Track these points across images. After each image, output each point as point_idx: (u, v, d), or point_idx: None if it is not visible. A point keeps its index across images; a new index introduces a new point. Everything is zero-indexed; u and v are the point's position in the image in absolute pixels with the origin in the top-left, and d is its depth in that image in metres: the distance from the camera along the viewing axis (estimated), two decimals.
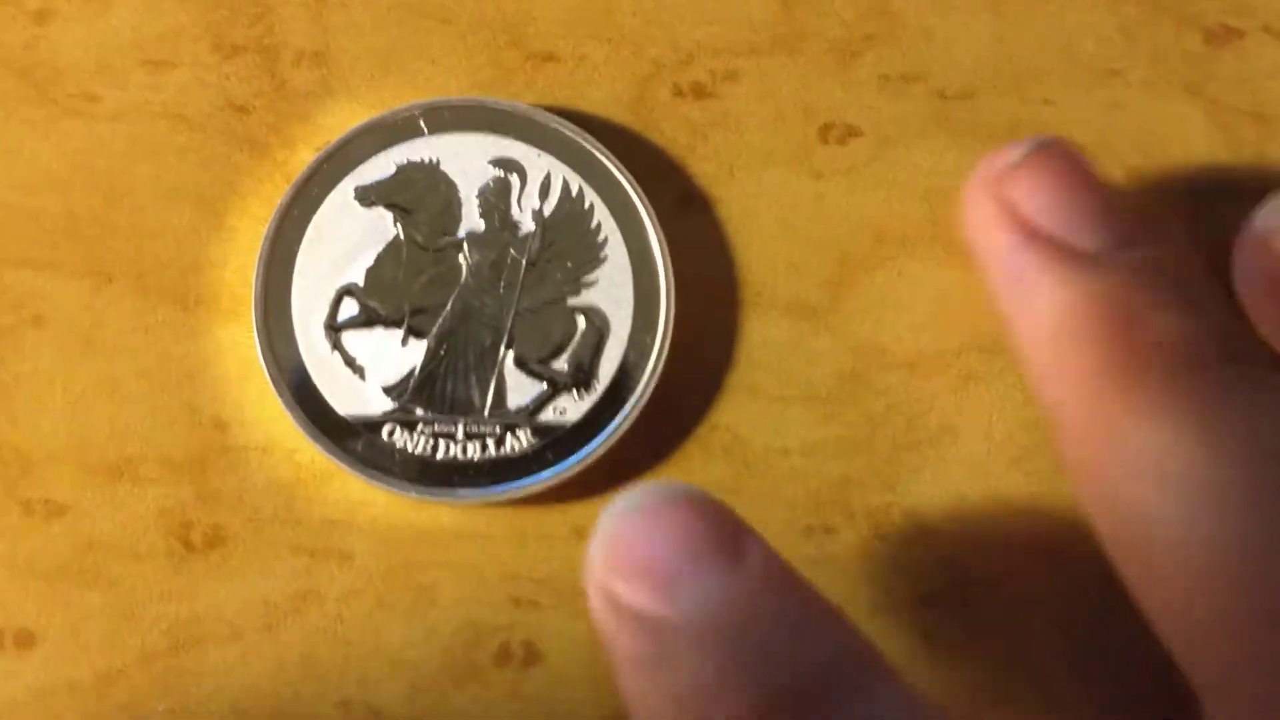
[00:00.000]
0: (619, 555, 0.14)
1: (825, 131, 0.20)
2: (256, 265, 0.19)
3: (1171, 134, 0.20)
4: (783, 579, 0.14)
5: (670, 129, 0.20)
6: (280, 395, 0.18)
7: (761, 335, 0.20)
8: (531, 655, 0.18)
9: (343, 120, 0.20)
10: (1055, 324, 0.16)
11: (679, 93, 0.20)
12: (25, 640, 0.18)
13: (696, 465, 0.19)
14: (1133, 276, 0.16)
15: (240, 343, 0.19)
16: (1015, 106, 0.20)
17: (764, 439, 0.19)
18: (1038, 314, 0.16)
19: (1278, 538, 0.13)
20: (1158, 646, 0.15)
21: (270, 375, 0.19)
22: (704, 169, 0.20)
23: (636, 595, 0.14)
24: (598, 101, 0.20)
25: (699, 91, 0.20)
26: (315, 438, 0.18)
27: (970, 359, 0.20)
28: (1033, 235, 0.16)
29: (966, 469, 0.19)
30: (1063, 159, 0.17)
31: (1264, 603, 0.13)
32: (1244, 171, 0.20)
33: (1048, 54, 0.20)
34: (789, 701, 0.13)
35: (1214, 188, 0.20)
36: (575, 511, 0.19)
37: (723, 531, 0.14)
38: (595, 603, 0.14)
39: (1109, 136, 0.20)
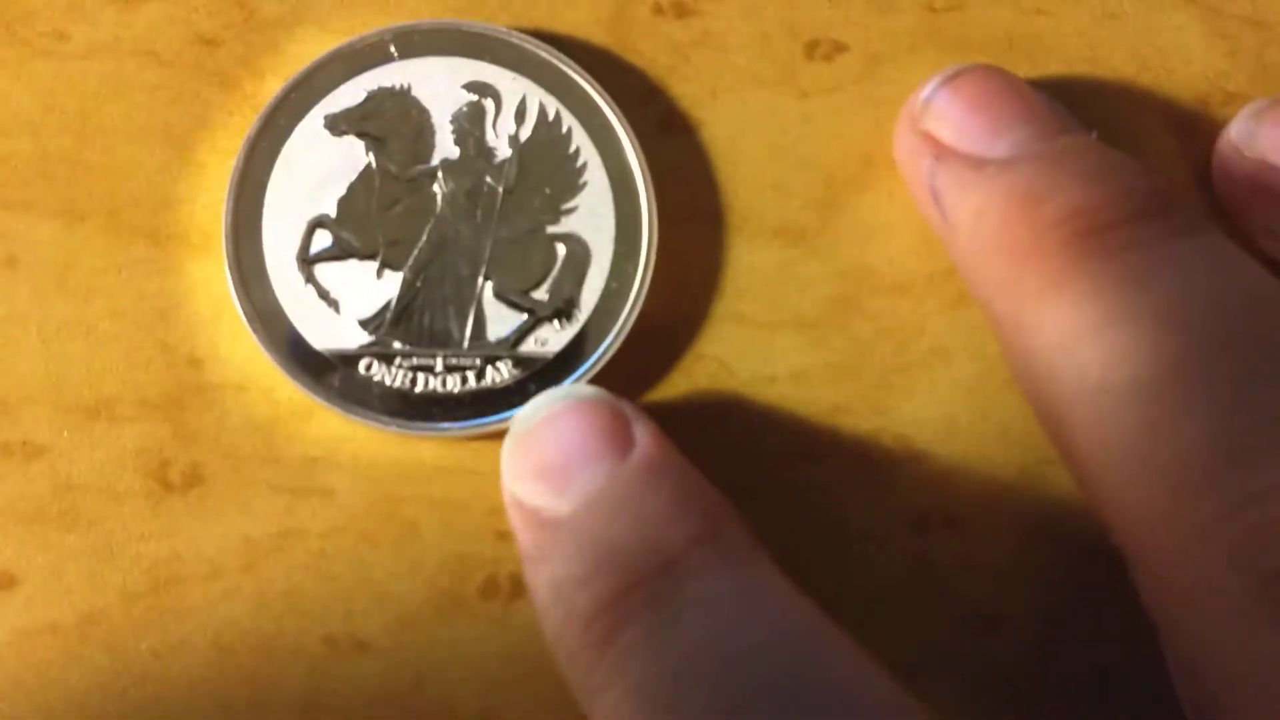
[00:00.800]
0: (520, 461, 0.16)
1: (811, 49, 0.19)
2: (226, 199, 0.18)
3: (1169, 43, 0.20)
4: (663, 468, 0.15)
5: (650, 49, 0.19)
6: (254, 331, 0.18)
7: (748, 261, 0.19)
8: (518, 587, 0.18)
9: (314, 50, 0.19)
10: (971, 231, 0.16)
11: (659, 10, 0.19)
12: (6, 582, 0.18)
13: (682, 395, 0.19)
14: (1037, 165, 0.16)
15: (213, 279, 0.19)
16: (1008, 16, 0.20)
17: (751, 367, 0.19)
18: (957, 227, 0.16)
19: (1181, 384, 0.13)
20: None
21: (243, 311, 0.18)
22: (686, 90, 0.19)
23: (533, 495, 0.15)
24: (575, 22, 0.19)
25: (680, 9, 0.19)
26: (291, 373, 0.18)
27: (960, 280, 0.19)
28: (944, 155, 0.17)
29: (959, 391, 0.19)
30: (972, 81, 0.17)
31: (1174, 453, 0.13)
32: (1243, 80, 0.20)
33: None
34: (638, 583, 0.14)
35: (1213, 98, 0.19)
36: None
37: (611, 427, 0.15)
38: (507, 509, 0.16)
39: (1104, 47, 0.20)
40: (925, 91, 0.18)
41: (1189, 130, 0.19)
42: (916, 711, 0.13)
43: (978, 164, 0.16)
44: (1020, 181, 0.15)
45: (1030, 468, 0.18)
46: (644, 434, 0.15)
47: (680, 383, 0.19)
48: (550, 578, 0.15)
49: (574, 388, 0.17)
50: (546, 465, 0.15)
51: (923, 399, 0.19)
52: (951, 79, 0.17)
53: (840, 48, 0.19)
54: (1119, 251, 0.14)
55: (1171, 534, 0.13)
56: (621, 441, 0.15)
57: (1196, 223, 0.15)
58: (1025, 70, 0.19)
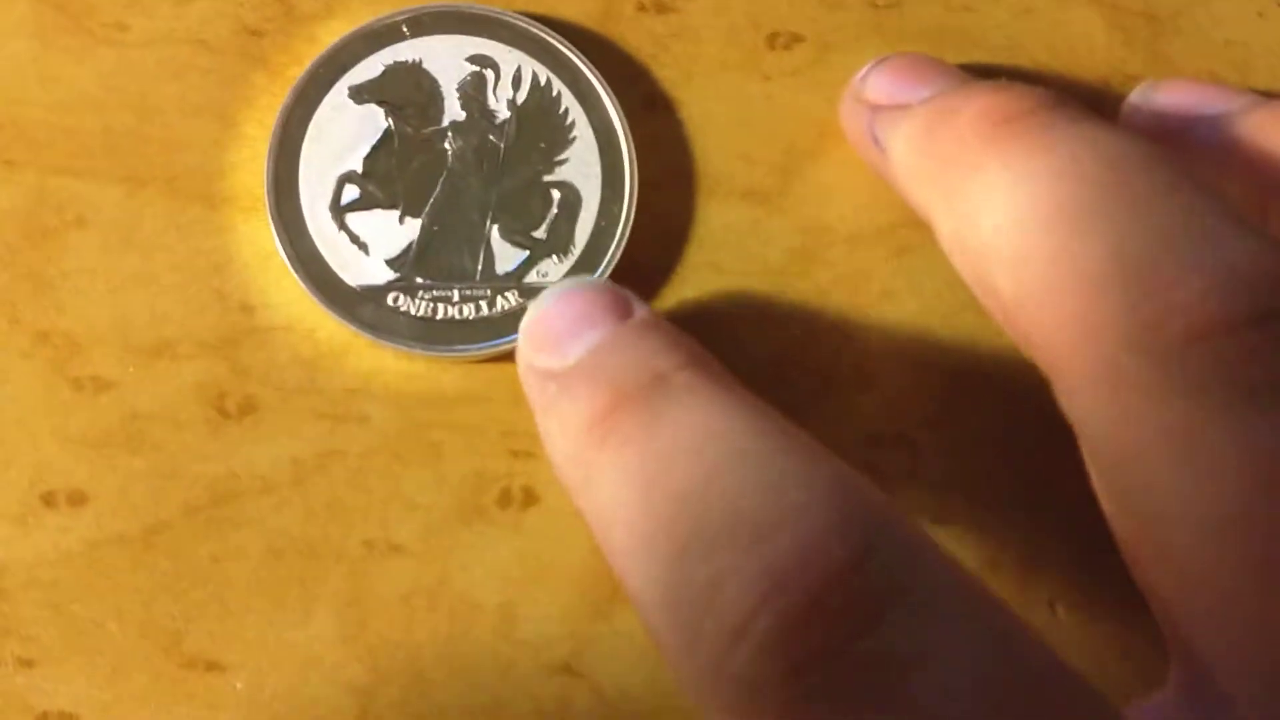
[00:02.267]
0: (533, 336, 0.18)
1: (772, 39, 0.23)
2: (266, 163, 0.21)
3: (1075, 34, 0.23)
4: (659, 324, 0.17)
5: (635, 40, 0.23)
6: (297, 274, 0.21)
7: (721, 219, 0.22)
8: (529, 498, 0.21)
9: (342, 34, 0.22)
10: (903, 153, 0.18)
11: (642, 8, 0.23)
12: (78, 499, 0.21)
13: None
14: (953, 91, 0.18)
15: (260, 235, 0.21)
16: (938, 13, 0.23)
17: (725, 308, 0.22)
18: (892, 155, 0.19)
19: (1082, 214, 0.15)
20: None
21: (287, 258, 0.21)
22: (666, 75, 0.23)
23: (543, 359, 0.17)
24: (568, 15, 0.23)
25: (660, 6, 0.23)
26: (329, 307, 0.21)
27: (903, 233, 0.22)
28: (878, 110, 0.20)
29: (904, 326, 0.22)
30: (900, 59, 0.20)
31: (1076, 270, 0.15)
32: (1139, 65, 0.23)
33: None
34: (632, 392, 0.16)
35: (1114, 80, 0.23)
36: None
37: (614, 300, 0.18)
38: (524, 386, 0.18)
39: (1021, 38, 0.23)
40: (862, 72, 0.21)
41: (1096, 107, 0.23)
42: (861, 479, 0.15)
43: (905, 107, 0.19)
44: (938, 101, 0.18)
45: (965, 390, 0.22)
46: (642, 307, 0.18)
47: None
48: (558, 415, 0.17)
49: (579, 276, 0.20)
50: (553, 333, 0.17)
51: (874, 333, 0.22)
52: (883, 60, 0.21)
53: (797, 38, 0.23)
54: (1024, 132, 0.16)
55: (1077, 336, 0.15)
56: (621, 311, 0.17)
57: (1089, 113, 0.17)
58: (953, 58, 0.23)
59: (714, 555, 0.14)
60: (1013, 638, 0.13)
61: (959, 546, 0.21)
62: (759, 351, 0.22)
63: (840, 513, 0.14)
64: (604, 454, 0.16)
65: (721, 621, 0.13)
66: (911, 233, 0.22)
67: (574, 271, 0.21)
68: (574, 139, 0.22)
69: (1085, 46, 0.23)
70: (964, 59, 0.23)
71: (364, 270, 0.21)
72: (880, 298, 0.22)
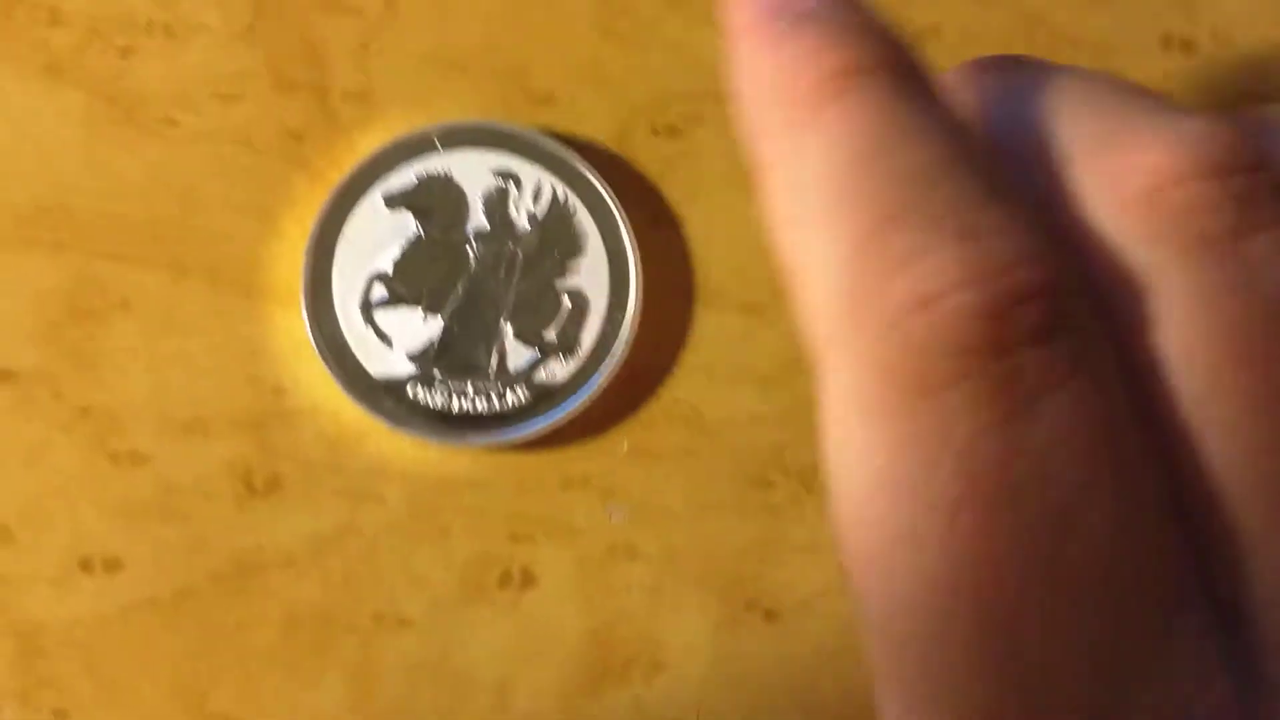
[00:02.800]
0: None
1: None
2: (304, 259, 0.23)
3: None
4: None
5: (646, 160, 0.25)
6: (326, 363, 0.23)
7: (716, 327, 0.24)
8: (527, 579, 0.23)
9: (379, 144, 0.24)
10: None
11: (655, 132, 0.25)
12: (113, 565, 0.22)
13: (662, 429, 0.24)
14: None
15: (293, 324, 0.23)
16: None
17: (717, 411, 0.24)
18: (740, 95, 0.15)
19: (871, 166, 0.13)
20: None
21: (317, 347, 0.23)
22: (672, 193, 0.25)
23: None
24: (587, 136, 0.25)
25: (671, 131, 0.25)
26: (354, 395, 0.23)
27: None
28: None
29: None
30: None
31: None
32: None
33: None
34: (874, 64, 0.14)
35: None
36: (562, 463, 0.23)
37: None
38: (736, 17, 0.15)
39: None
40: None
41: None
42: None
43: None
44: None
45: None
46: None
47: (660, 420, 0.24)
48: (786, 55, 0.14)
49: None
50: None
51: None
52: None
53: None
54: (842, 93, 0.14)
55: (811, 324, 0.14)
56: None
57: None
58: None
59: (923, 229, 0.13)
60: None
61: None
62: (745, 453, 0.24)
63: (1040, 237, 0.13)
64: (826, 114, 0.14)
65: (914, 285, 0.12)
66: None
67: (579, 373, 0.23)
68: (586, 249, 0.24)
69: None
70: None
71: (387, 363, 0.23)
72: None
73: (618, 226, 0.24)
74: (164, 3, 0.24)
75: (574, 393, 0.23)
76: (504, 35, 0.25)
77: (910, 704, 0.13)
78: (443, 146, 0.24)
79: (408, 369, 0.23)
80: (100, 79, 0.24)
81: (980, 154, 0.13)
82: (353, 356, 0.23)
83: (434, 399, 0.23)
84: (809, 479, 0.24)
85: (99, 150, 0.24)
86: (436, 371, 0.23)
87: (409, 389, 0.23)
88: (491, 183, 0.24)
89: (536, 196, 0.24)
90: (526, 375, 0.23)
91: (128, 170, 0.24)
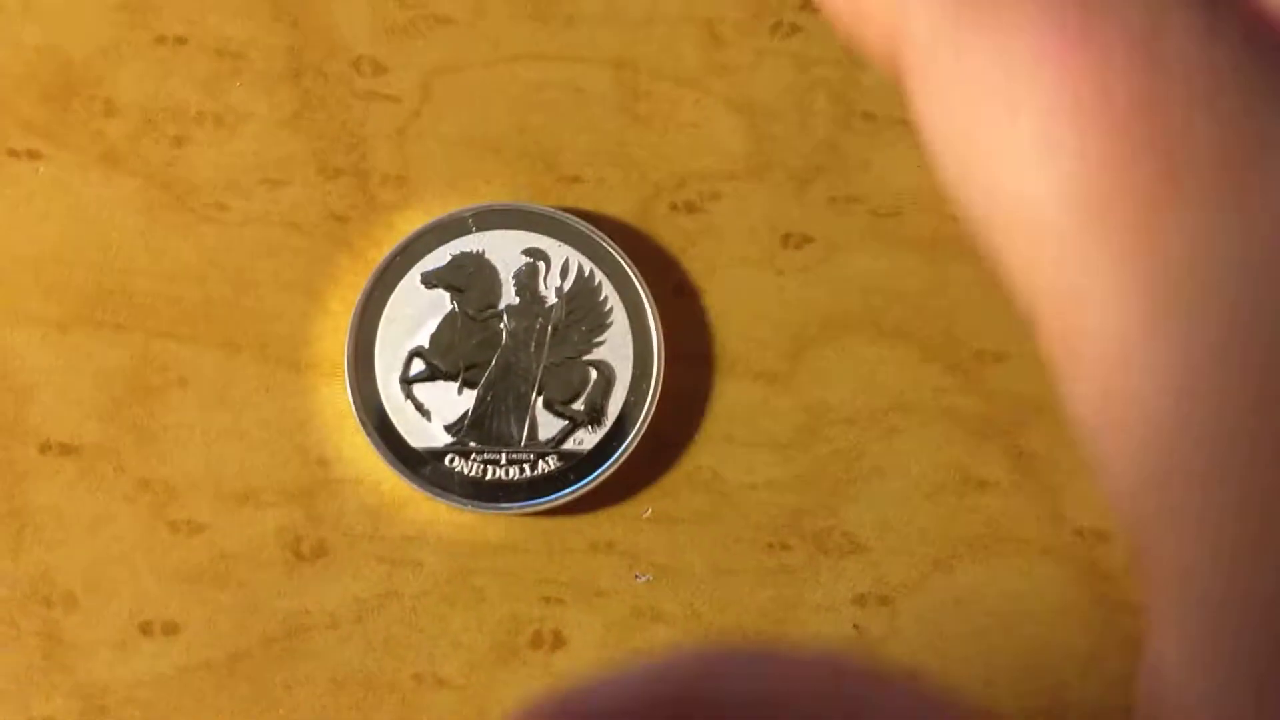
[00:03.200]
0: None
1: (786, 239, 0.26)
2: (348, 335, 0.25)
3: None
4: None
5: (668, 235, 0.26)
6: (368, 435, 0.24)
7: (735, 395, 0.26)
8: (558, 640, 0.24)
9: (417, 225, 0.25)
10: None
11: (674, 208, 0.26)
12: (171, 629, 0.24)
13: (684, 495, 0.25)
14: None
15: (337, 398, 0.25)
16: (934, 221, 0.26)
17: (736, 476, 0.25)
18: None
19: None
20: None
21: (360, 420, 0.24)
22: (693, 266, 0.26)
23: None
24: (612, 213, 0.26)
25: (690, 207, 0.26)
26: (394, 466, 0.24)
27: (894, 416, 0.26)
28: None
29: (890, 500, 0.25)
30: None
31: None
32: None
33: None
34: None
35: None
36: (590, 529, 0.25)
37: None
38: None
39: None
40: None
41: None
42: None
43: None
44: None
45: (944, 560, 0.25)
46: None
47: (683, 485, 0.25)
48: None
49: None
50: None
51: (864, 504, 0.25)
52: None
53: (808, 239, 0.26)
54: None
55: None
56: None
57: None
58: (945, 263, 0.26)
59: None
60: None
61: None
62: (763, 516, 0.25)
63: None
64: None
65: None
66: (901, 417, 0.26)
67: (606, 442, 0.25)
68: (611, 323, 0.25)
69: None
70: (957, 264, 0.26)
71: (426, 434, 0.24)
72: (871, 473, 0.25)
73: (641, 300, 0.25)
74: (213, 93, 0.26)
75: (601, 461, 0.25)
76: (533, 119, 0.26)
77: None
78: (476, 227, 0.25)
79: (445, 440, 0.25)
80: (155, 167, 0.25)
81: None
82: (393, 428, 0.24)
83: (469, 468, 0.24)
84: (824, 542, 0.25)
85: (156, 235, 0.25)
86: (472, 442, 0.25)
87: (446, 459, 0.24)
88: (522, 261, 0.25)
89: (564, 273, 0.25)
90: (555, 444, 0.25)
91: (183, 253, 0.25)
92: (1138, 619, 0.25)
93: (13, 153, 0.25)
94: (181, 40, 0.26)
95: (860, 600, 0.25)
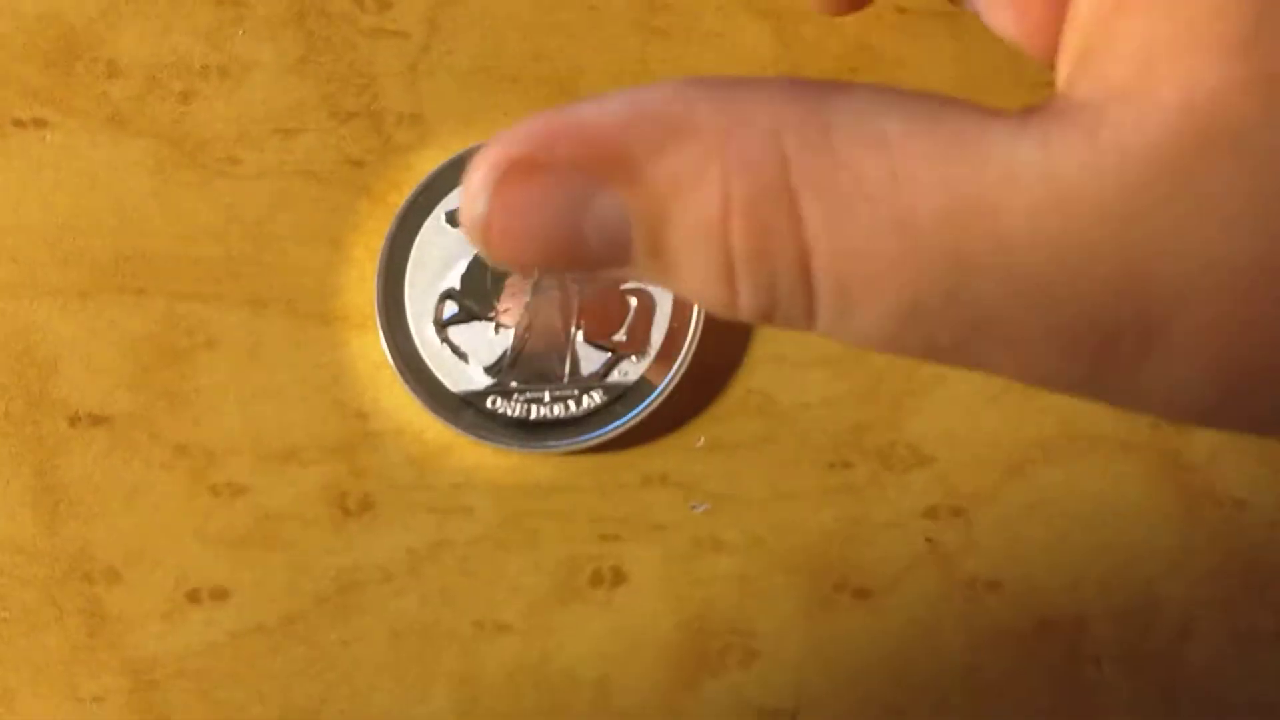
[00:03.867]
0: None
1: None
2: (375, 284, 0.24)
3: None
4: None
5: None
6: (406, 384, 0.23)
7: None
8: (618, 577, 0.23)
9: (435, 165, 0.24)
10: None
11: None
12: (220, 595, 0.23)
13: (737, 420, 0.24)
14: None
15: (370, 348, 0.24)
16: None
17: (790, 397, 0.24)
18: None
19: None
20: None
21: (396, 368, 0.23)
22: None
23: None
24: None
25: None
26: (435, 412, 0.23)
27: None
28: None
29: (954, 409, 0.24)
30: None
31: None
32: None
33: (1000, 74, 0.25)
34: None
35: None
36: (642, 462, 0.24)
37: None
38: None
39: None
40: (477, 206, 0.14)
41: None
42: None
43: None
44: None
45: (1016, 465, 0.24)
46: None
47: (735, 411, 0.24)
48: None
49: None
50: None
51: (927, 415, 0.24)
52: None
53: None
54: None
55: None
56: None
57: None
58: None
59: None
60: None
61: (1011, 609, 0.24)
62: (821, 435, 0.24)
63: None
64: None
65: None
66: None
67: (651, 371, 0.24)
68: None
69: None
70: None
71: (465, 377, 0.24)
72: (931, 383, 0.24)
73: None
74: (217, 44, 0.25)
75: (648, 391, 0.24)
76: (548, 44, 0.25)
77: None
78: None
79: (485, 381, 0.24)
80: (163, 125, 0.25)
81: None
82: (431, 374, 0.24)
83: (513, 409, 0.24)
84: (887, 457, 0.24)
85: (169, 195, 0.24)
86: (513, 382, 0.24)
87: (488, 401, 0.24)
88: None
89: None
90: (600, 377, 0.24)
91: (199, 211, 0.24)
92: (1224, 510, 0.24)
93: (18, 122, 0.24)
94: None
95: (931, 513, 0.24)
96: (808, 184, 0.13)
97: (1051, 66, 0.17)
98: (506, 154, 0.14)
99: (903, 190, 0.13)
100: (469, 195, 0.14)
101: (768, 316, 0.14)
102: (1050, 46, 0.16)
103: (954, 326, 0.14)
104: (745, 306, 0.14)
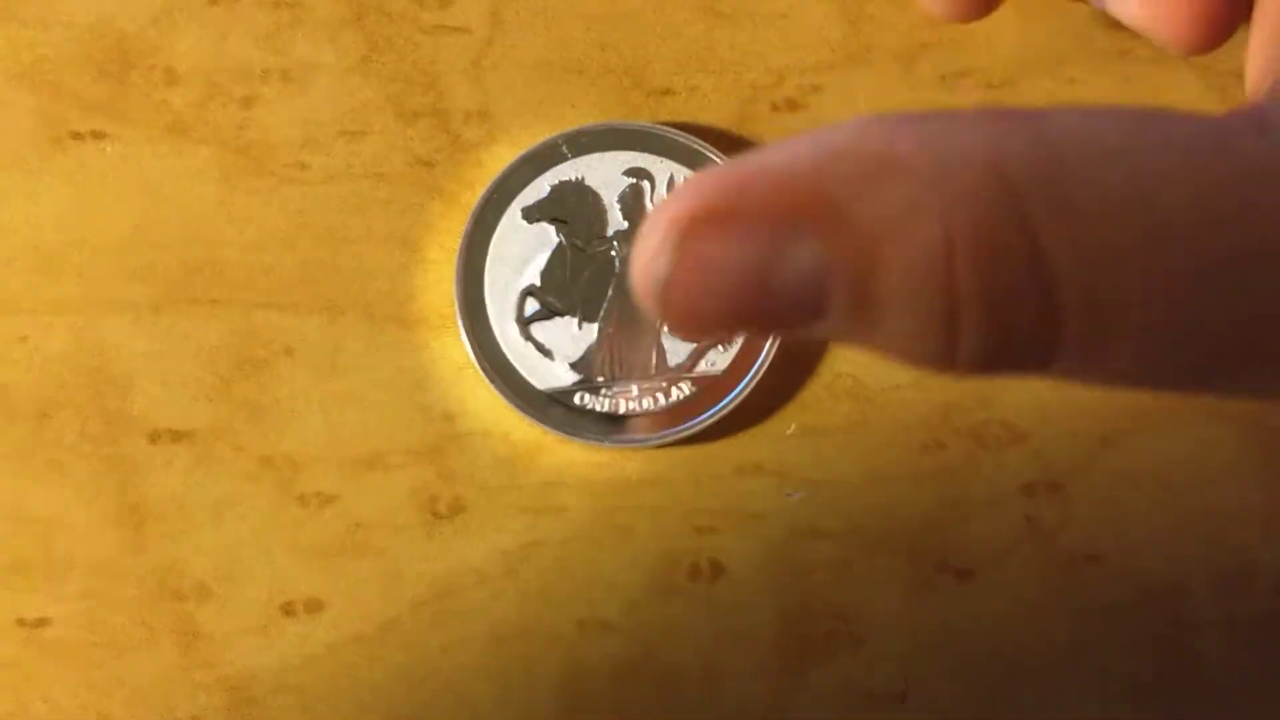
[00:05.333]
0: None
1: None
2: (455, 284, 0.23)
3: (1174, 98, 0.25)
4: None
5: (772, 137, 0.25)
6: (491, 383, 0.23)
7: None
8: (716, 570, 0.23)
9: (506, 161, 0.24)
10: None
11: (775, 108, 0.25)
12: (315, 607, 0.23)
13: (826, 406, 0.24)
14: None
15: (452, 349, 0.23)
16: (1049, 86, 0.25)
17: (878, 379, 0.24)
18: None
19: None
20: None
21: (481, 369, 0.23)
22: None
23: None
24: (709, 121, 0.25)
25: (791, 105, 0.25)
26: (523, 411, 0.23)
27: None
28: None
29: (1042, 384, 0.24)
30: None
31: None
32: None
33: (1068, 41, 0.25)
34: None
35: None
36: (733, 452, 0.24)
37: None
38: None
39: (1124, 102, 0.25)
40: (659, 267, 0.13)
41: None
42: None
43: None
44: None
45: (1109, 437, 0.24)
46: None
47: (824, 396, 0.24)
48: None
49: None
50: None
51: (1017, 391, 0.24)
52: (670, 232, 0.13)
53: None
54: None
55: None
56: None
57: None
58: None
59: None
60: None
61: (1113, 581, 0.23)
62: (912, 417, 0.24)
63: None
64: None
65: None
66: None
67: (739, 361, 0.23)
68: None
69: (1183, 106, 0.25)
70: None
71: (551, 374, 0.23)
72: None
73: None
74: (276, 47, 0.24)
75: (737, 381, 0.23)
76: (613, 33, 0.25)
77: None
78: (571, 153, 0.24)
79: (572, 378, 0.23)
80: (226, 132, 0.24)
81: None
82: (516, 373, 0.23)
83: (601, 404, 0.23)
84: (981, 435, 0.24)
85: (237, 203, 0.24)
86: (600, 377, 0.23)
87: (575, 397, 0.23)
88: (625, 182, 0.24)
89: (671, 189, 0.24)
90: (688, 370, 0.23)
91: (268, 219, 0.24)
92: None
93: (76, 135, 0.24)
94: None
95: (1028, 490, 0.24)
96: (1043, 209, 0.12)
97: (1183, 49, 0.17)
98: (689, 208, 0.13)
99: (1152, 201, 0.12)
100: (646, 256, 0.13)
101: (992, 362, 0.13)
102: (1187, 34, 0.17)
103: (1234, 339, 0.13)
104: (967, 352, 0.13)
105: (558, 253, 0.24)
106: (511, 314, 0.23)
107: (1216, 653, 0.23)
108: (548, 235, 0.24)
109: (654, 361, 0.23)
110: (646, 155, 0.24)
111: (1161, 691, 0.23)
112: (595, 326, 0.23)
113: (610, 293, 0.24)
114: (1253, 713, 0.23)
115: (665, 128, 0.24)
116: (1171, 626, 0.23)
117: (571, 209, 0.24)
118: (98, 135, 0.24)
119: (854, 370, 0.24)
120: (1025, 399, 0.24)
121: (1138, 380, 0.13)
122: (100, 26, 0.24)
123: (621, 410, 0.23)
